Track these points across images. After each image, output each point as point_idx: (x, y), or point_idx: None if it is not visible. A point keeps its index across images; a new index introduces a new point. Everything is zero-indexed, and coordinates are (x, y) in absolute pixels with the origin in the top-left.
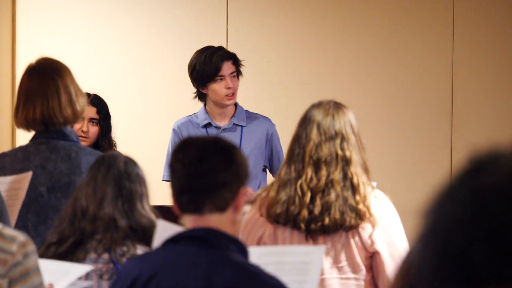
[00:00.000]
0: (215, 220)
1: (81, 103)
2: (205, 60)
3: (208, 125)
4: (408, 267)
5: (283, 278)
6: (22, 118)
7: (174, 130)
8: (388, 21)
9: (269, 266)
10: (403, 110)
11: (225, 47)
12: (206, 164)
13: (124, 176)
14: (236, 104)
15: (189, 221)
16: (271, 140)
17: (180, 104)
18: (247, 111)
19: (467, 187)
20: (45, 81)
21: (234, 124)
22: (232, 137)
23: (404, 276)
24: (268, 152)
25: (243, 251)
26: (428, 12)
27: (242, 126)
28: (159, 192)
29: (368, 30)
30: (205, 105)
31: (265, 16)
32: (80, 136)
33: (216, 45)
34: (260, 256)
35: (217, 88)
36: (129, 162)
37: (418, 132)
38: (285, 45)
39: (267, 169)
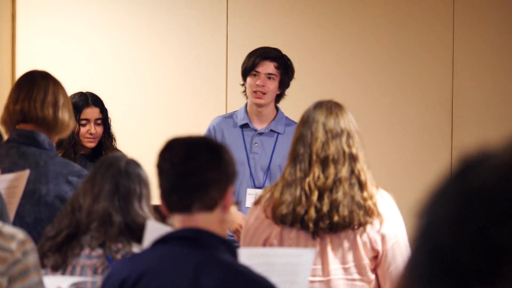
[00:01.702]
0: (204, 220)
1: (65, 115)
2: (250, 54)
3: (245, 126)
4: (406, 269)
5: (273, 279)
6: (6, 108)
7: (209, 129)
8: (388, 21)
9: (258, 267)
10: (404, 110)
11: (225, 47)
12: (194, 162)
13: (123, 174)
14: (277, 110)
15: (178, 221)
16: None
17: (180, 104)
18: (287, 118)
19: (456, 188)
20: (38, 80)
21: (271, 130)
22: (267, 142)
23: (403, 278)
24: None
25: (232, 251)
26: (428, 12)
27: (278, 133)
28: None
29: (368, 30)
30: (246, 104)
31: (265, 16)
32: (88, 138)
33: (216, 45)
34: (250, 257)
35: (250, 82)
36: (131, 163)
37: (419, 132)
38: (285, 45)
39: None
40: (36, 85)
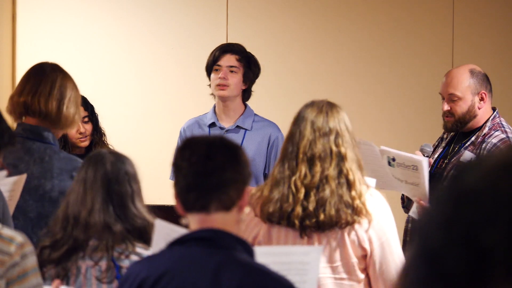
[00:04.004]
0: (221, 220)
1: (70, 110)
2: (213, 50)
3: (212, 125)
4: (401, 272)
5: None
6: (10, 99)
7: (180, 132)
8: (388, 21)
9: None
10: (404, 109)
11: None
12: (213, 162)
13: (112, 178)
14: (246, 107)
15: (194, 221)
16: (272, 146)
17: (180, 104)
18: (256, 116)
19: (448, 192)
20: (47, 73)
21: (237, 126)
22: (234, 139)
23: (399, 280)
24: (269, 158)
25: (249, 251)
26: (428, 12)
27: (246, 130)
28: (161, 191)
29: (368, 30)
30: (215, 105)
31: (265, 17)
32: (80, 138)
33: (216, 45)
34: (258, 256)
35: (213, 77)
36: (116, 161)
37: (419, 132)
38: (285, 45)
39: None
40: (44, 78)
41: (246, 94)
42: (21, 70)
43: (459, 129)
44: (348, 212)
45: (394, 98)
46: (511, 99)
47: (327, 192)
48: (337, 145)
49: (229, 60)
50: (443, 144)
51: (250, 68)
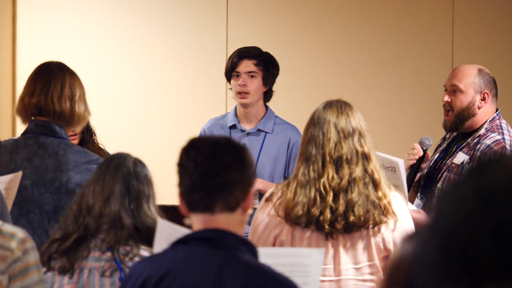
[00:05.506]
0: (225, 220)
1: (81, 108)
2: (231, 56)
3: (233, 127)
4: (407, 261)
5: None
6: (20, 100)
7: (200, 133)
8: (388, 21)
9: None
10: (404, 110)
11: (225, 47)
12: (219, 162)
13: (132, 175)
14: (267, 109)
15: (198, 221)
16: (292, 149)
17: (180, 104)
18: (277, 118)
19: (472, 185)
20: (55, 73)
21: (258, 129)
22: (255, 142)
23: (401, 270)
24: (288, 161)
25: (253, 252)
26: (428, 12)
27: (266, 133)
28: (162, 191)
29: (368, 30)
30: (236, 106)
31: (265, 17)
32: (71, 136)
33: (216, 45)
34: (261, 257)
35: (233, 84)
36: (138, 163)
37: (419, 132)
38: (285, 45)
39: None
40: (53, 78)
41: (267, 96)
42: (21, 71)
43: (458, 127)
44: (375, 212)
45: (394, 98)
46: (510, 99)
47: (355, 194)
48: (361, 146)
49: (247, 66)
50: (445, 145)
51: (269, 70)
